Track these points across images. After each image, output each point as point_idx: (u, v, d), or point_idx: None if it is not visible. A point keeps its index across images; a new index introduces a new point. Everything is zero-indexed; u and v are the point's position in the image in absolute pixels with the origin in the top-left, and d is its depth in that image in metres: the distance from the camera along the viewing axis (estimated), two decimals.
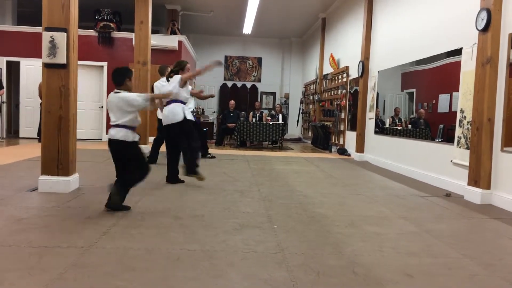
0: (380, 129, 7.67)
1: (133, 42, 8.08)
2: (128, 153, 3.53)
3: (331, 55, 10.71)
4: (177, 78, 4.77)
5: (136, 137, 3.56)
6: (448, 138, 5.36)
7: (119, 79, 3.53)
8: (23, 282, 2.05)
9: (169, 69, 5.20)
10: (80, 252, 2.48)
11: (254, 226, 3.22)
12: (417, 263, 2.55)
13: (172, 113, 4.73)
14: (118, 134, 3.46)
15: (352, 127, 8.99)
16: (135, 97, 3.51)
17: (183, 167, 4.81)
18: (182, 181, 4.93)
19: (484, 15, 4.44)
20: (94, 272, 2.20)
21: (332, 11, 11.19)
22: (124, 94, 3.48)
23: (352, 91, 9.17)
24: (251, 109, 12.52)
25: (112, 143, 3.50)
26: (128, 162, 3.54)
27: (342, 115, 9.90)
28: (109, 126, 3.64)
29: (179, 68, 4.90)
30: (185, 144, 4.77)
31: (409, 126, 6.62)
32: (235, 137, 10.60)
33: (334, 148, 10.09)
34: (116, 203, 3.42)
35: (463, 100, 4.95)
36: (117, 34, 10.67)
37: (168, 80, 4.96)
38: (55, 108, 4.12)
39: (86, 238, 2.73)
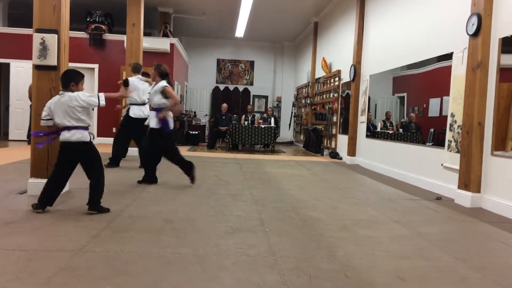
0: (372, 132, 7.71)
1: (125, 45, 8.04)
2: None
3: (323, 59, 10.75)
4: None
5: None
6: (438, 142, 5.40)
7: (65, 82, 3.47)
8: (12, 286, 2.02)
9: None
10: (69, 255, 2.45)
11: (246, 229, 3.20)
12: (410, 266, 2.56)
13: None
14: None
15: (344, 131, 9.03)
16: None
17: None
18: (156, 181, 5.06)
19: (474, 20, 4.50)
20: (84, 276, 2.17)
21: (324, 15, 11.25)
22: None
23: (344, 95, 9.22)
24: (243, 112, 12.51)
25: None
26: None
27: (334, 119, 9.94)
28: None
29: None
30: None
31: (400, 130, 6.66)
32: (227, 140, 10.57)
33: (326, 152, 10.11)
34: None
35: (454, 104, 5.00)
36: (108, 36, 10.62)
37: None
38: None
39: (76, 242, 2.69)
